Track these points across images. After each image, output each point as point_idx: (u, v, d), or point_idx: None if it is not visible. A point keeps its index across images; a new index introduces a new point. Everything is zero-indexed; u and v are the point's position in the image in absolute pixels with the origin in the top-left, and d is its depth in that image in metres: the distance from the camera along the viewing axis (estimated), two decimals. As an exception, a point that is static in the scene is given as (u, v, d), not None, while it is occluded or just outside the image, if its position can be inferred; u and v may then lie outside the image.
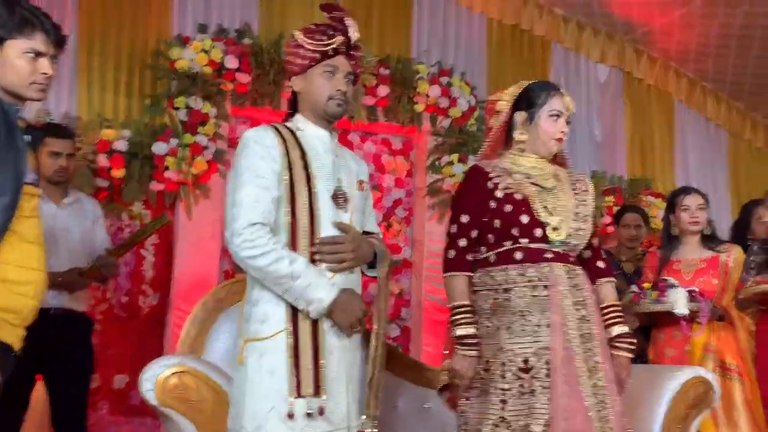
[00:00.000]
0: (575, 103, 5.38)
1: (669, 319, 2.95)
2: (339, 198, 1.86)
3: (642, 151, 5.39)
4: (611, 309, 2.10)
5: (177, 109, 3.80)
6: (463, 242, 2.04)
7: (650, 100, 5.51)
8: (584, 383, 1.90)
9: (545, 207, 2.01)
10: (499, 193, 2.02)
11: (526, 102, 2.11)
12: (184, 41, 3.93)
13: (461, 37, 4.87)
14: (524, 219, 1.99)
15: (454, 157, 4.29)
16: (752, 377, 2.92)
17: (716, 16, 4.80)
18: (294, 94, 1.97)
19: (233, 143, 4.13)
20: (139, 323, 3.77)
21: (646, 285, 2.95)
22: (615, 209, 4.37)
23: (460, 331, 1.98)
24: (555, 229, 1.99)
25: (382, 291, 1.95)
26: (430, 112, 4.34)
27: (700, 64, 5.46)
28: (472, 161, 4.27)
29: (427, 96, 4.30)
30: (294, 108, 1.98)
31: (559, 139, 2.09)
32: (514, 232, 2.00)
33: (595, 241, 2.17)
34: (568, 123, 2.11)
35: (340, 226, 1.84)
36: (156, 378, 1.97)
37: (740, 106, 5.80)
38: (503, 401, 1.90)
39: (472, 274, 2.05)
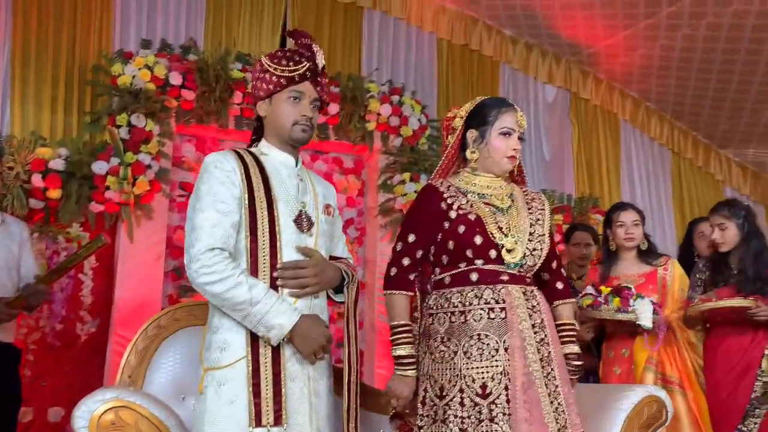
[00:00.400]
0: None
1: (623, 329, 2.97)
2: (302, 222, 1.83)
3: (589, 170, 5.48)
4: (565, 327, 2.09)
5: (118, 126, 3.65)
6: (406, 261, 1.99)
7: (596, 119, 5.62)
8: (546, 408, 1.85)
9: (499, 227, 1.97)
10: (452, 214, 1.98)
11: (478, 119, 2.06)
12: (126, 57, 3.79)
13: (411, 56, 4.87)
14: (478, 240, 1.94)
15: (406, 176, 4.25)
16: (695, 387, 2.94)
17: (658, 39, 4.94)
18: (259, 119, 1.95)
19: (177, 162, 4.01)
20: (76, 352, 3.56)
21: (604, 289, 2.91)
22: (564, 227, 4.41)
23: (398, 351, 1.94)
24: (509, 250, 1.95)
25: (351, 316, 1.90)
26: (381, 130, 4.30)
27: (643, 84, 5.61)
28: (424, 180, 4.25)
29: (378, 114, 4.27)
30: (259, 132, 1.97)
31: (512, 157, 2.03)
32: (468, 253, 1.95)
33: (554, 263, 2.13)
34: (521, 140, 2.06)
35: (303, 251, 1.81)
36: (90, 414, 1.83)
37: (682, 126, 5.98)
38: (462, 430, 1.82)
39: (411, 294, 2.02)
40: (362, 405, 2.69)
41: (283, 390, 1.68)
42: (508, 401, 1.81)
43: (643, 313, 2.77)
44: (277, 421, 1.65)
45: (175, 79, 3.79)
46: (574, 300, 2.16)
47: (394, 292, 1.99)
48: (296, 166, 1.92)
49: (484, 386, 1.83)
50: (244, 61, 4.03)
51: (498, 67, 5.22)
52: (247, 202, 1.76)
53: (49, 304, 3.47)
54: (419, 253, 2.00)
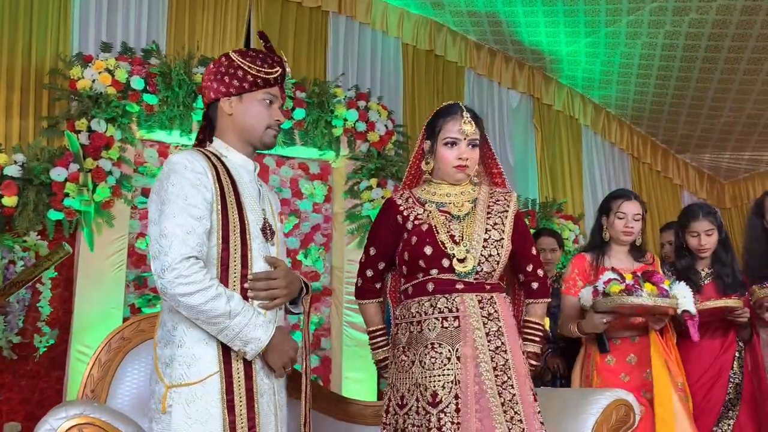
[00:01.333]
0: (489, 128, 5.51)
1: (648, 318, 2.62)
2: (267, 231, 1.77)
3: (552, 174, 5.55)
4: (529, 325, 2.09)
5: (78, 132, 3.54)
6: (369, 272, 2.11)
7: (559, 125, 5.70)
8: (497, 418, 1.82)
9: (451, 236, 1.96)
10: (409, 225, 2.01)
11: (429, 130, 2.09)
12: (86, 60, 3.69)
13: (377, 61, 4.87)
14: (428, 250, 1.95)
15: (373, 181, 4.24)
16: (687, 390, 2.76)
17: (618, 46, 5.04)
18: (208, 117, 1.85)
19: (140, 167, 3.92)
20: (34, 365, 3.44)
21: (627, 275, 2.51)
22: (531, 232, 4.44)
23: (378, 356, 2.05)
24: (461, 260, 1.93)
25: (306, 326, 1.88)
26: (348, 135, 4.28)
27: (604, 90, 5.72)
28: (391, 186, 4.25)
29: (345, 120, 4.24)
30: (207, 131, 1.87)
31: (459, 167, 2.02)
32: (422, 263, 1.96)
33: (529, 265, 2.10)
34: (473, 147, 2.03)
35: (270, 261, 1.74)
36: (53, 432, 1.75)
37: (641, 131, 6.12)
38: None
39: (380, 299, 2.13)
40: (330, 413, 2.68)
41: (255, 406, 1.62)
42: (457, 410, 1.80)
43: (685, 297, 2.47)
44: None
45: (137, 83, 3.70)
46: (546, 300, 2.12)
47: (363, 301, 2.12)
48: (255, 170, 1.85)
49: (434, 394, 1.84)
50: (207, 65, 3.95)
51: (463, 73, 5.26)
52: (219, 207, 1.66)
53: (5, 315, 3.34)
54: (381, 265, 2.09)
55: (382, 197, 4.17)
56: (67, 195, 3.46)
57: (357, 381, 4.04)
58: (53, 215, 3.47)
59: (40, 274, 2.89)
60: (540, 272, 2.10)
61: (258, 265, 1.71)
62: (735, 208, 6.45)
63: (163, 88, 3.77)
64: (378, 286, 2.11)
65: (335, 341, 4.23)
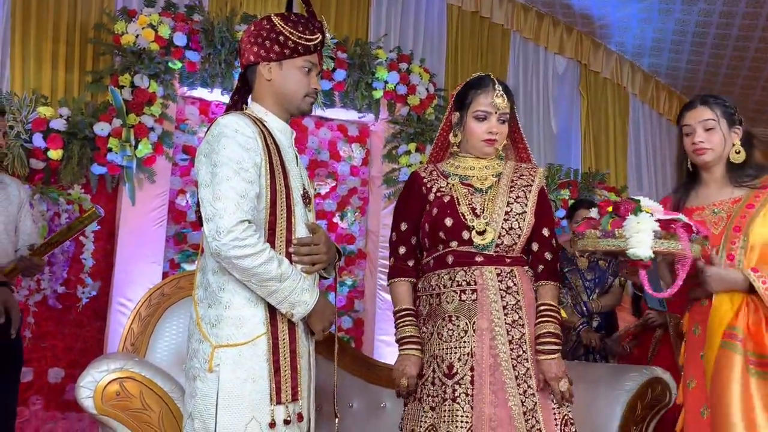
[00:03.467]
0: (534, 94, 5.40)
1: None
2: (306, 197, 1.79)
3: (596, 144, 5.42)
4: (540, 307, 1.94)
5: (121, 87, 3.57)
6: (402, 249, 2.03)
7: (606, 93, 5.54)
8: (511, 391, 1.82)
9: (473, 209, 1.93)
10: (431, 197, 2.00)
11: (459, 101, 2.04)
12: (129, 15, 3.69)
13: (420, 23, 4.76)
14: (448, 222, 1.93)
15: (412, 146, 4.19)
16: None
17: (672, 12, 4.84)
18: (246, 78, 1.84)
19: (181, 124, 3.94)
20: (77, 315, 3.55)
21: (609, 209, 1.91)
22: (570, 203, 4.36)
23: (401, 334, 1.97)
24: (480, 232, 1.90)
25: (336, 292, 1.95)
26: (388, 98, 4.22)
27: (654, 59, 5.51)
28: (429, 151, 4.19)
29: (386, 82, 4.18)
30: (242, 93, 1.86)
31: (488, 140, 1.97)
32: (442, 235, 1.94)
33: (535, 245, 2.00)
34: (503, 122, 1.99)
35: (311, 227, 1.77)
36: (95, 384, 1.81)
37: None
38: (432, 408, 1.86)
39: (413, 279, 2.03)
40: (360, 375, 2.71)
41: (298, 366, 1.65)
42: (472, 382, 1.82)
43: (636, 235, 1.70)
44: (294, 396, 1.63)
45: (180, 39, 3.69)
46: (554, 283, 1.97)
47: (394, 280, 2.03)
48: (292, 136, 1.85)
49: (450, 366, 1.85)
50: (249, 22, 3.92)
51: (509, 36, 5.12)
52: (268, 172, 1.67)
53: (51, 266, 3.44)
54: (414, 240, 2.03)
55: (421, 162, 4.12)
56: (110, 150, 3.51)
57: (389, 344, 4.07)
58: (97, 169, 3.53)
59: (73, 235, 2.97)
60: (548, 255, 1.98)
61: (300, 231, 1.73)
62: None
63: (205, 45, 3.76)
64: (411, 264, 2.03)
65: (369, 304, 4.26)
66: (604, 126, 5.45)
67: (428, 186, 2.02)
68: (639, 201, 1.74)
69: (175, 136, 3.84)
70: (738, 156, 2.01)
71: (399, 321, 1.99)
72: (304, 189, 1.80)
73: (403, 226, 2.04)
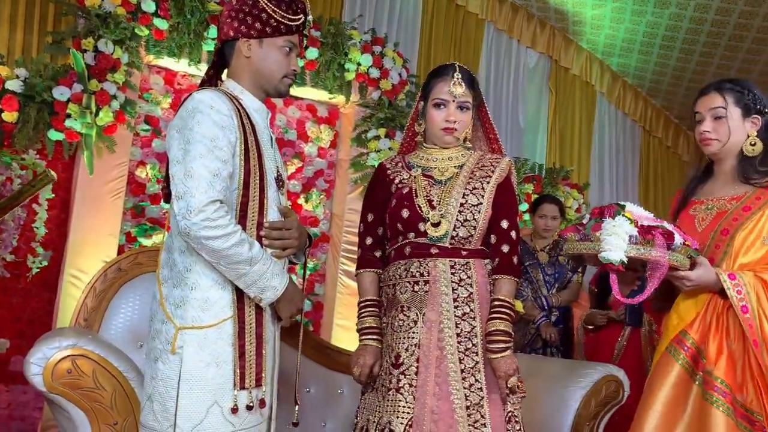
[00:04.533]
0: (504, 86, 5.40)
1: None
2: (279, 179, 1.76)
3: (562, 140, 5.47)
4: (493, 302, 1.89)
5: (84, 51, 3.42)
6: (368, 240, 2.04)
7: (574, 90, 5.59)
8: (455, 384, 1.82)
9: (429, 201, 1.92)
10: (393, 188, 2.00)
11: (423, 90, 2.05)
12: (95, -25, 3.53)
13: (396, 6, 4.71)
14: (405, 213, 1.93)
15: (381, 131, 4.15)
16: None
17: (645, 14, 4.89)
18: (222, 54, 1.78)
19: (145, 93, 3.81)
20: (26, 285, 3.42)
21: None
22: (534, 197, 4.40)
23: (361, 324, 1.98)
24: (435, 224, 1.90)
25: (304, 278, 1.93)
26: (360, 81, 4.16)
27: (624, 59, 5.58)
28: (399, 137, 4.16)
29: (359, 64, 4.12)
30: (216, 68, 1.81)
31: (447, 129, 1.96)
32: (400, 227, 1.95)
33: (492, 237, 1.96)
34: (463, 110, 1.96)
35: (283, 211, 1.73)
36: (46, 361, 1.73)
37: (656, 104, 6.01)
38: (383, 397, 1.87)
39: (379, 270, 2.04)
40: (322, 363, 2.68)
41: (264, 352, 1.63)
42: (417, 373, 1.82)
43: (608, 238, 1.65)
44: (258, 382, 1.61)
45: (148, 5, 3.55)
46: (510, 277, 1.90)
47: (360, 270, 2.04)
48: (268, 116, 1.81)
49: (398, 356, 1.86)
50: (222, -6, 3.81)
51: (483, 26, 5.11)
52: (242, 152, 1.63)
53: (0, 233, 3.30)
54: (380, 230, 2.03)
55: (390, 148, 4.09)
56: (68, 116, 3.36)
57: (347, 329, 4.05)
58: (54, 135, 3.38)
59: (24, 201, 2.85)
60: (505, 248, 1.92)
61: (272, 214, 1.70)
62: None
63: (174, 14, 3.62)
64: (378, 254, 2.03)
65: (329, 288, 4.23)
66: (570, 122, 5.51)
67: (391, 177, 2.03)
68: (623, 206, 1.70)
69: (138, 105, 3.71)
70: (753, 149, 1.83)
71: (360, 312, 1.99)
72: (278, 172, 1.76)
73: (370, 217, 2.05)
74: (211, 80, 1.81)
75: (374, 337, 1.94)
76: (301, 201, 4.25)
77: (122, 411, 1.79)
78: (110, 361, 1.81)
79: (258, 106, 1.76)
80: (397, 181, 2.00)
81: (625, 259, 1.63)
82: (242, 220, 1.62)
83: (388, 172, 2.05)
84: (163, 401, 1.56)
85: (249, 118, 1.69)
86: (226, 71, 1.80)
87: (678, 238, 1.68)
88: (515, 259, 1.94)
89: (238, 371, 1.57)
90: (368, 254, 2.03)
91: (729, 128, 1.84)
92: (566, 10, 5.13)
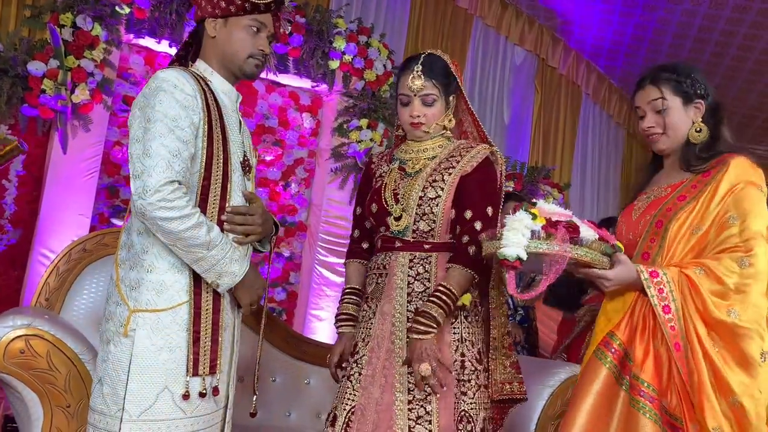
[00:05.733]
0: (490, 83, 5.37)
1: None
2: (245, 164, 1.71)
3: (545, 139, 5.46)
4: (438, 287, 1.79)
5: (61, 26, 3.35)
6: (356, 232, 2.07)
7: (560, 89, 5.58)
8: (400, 378, 1.79)
9: (395, 194, 1.90)
10: (373, 182, 2.00)
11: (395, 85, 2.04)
12: (77, -50, 3.46)
13: (384, -3, 4.65)
14: (374, 208, 1.93)
15: (364, 122, 4.11)
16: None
17: (633, 16, 4.89)
18: (196, 35, 1.75)
19: (124, 73, 3.75)
20: (-6, 261, 3.36)
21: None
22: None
23: (337, 311, 2.00)
24: (397, 218, 1.88)
25: (269, 266, 1.89)
26: (344, 71, 4.12)
27: (610, 61, 5.58)
28: (381, 129, 4.13)
29: (343, 53, 4.08)
30: (190, 49, 1.77)
31: (414, 124, 1.90)
32: (372, 220, 1.96)
33: (457, 229, 1.88)
34: (427, 104, 1.88)
35: (248, 196, 1.69)
36: (-2, 340, 1.69)
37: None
38: (342, 387, 1.88)
39: (364, 261, 2.03)
40: (290, 352, 2.66)
41: (219, 339, 1.59)
42: (368, 363, 1.82)
43: (508, 233, 1.55)
44: (212, 369, 1.57)
45: (130, -17, 3.50)
46: (462, 268, 1.80)
47: (346, 261, 2.06)
48: (237, 100, 1.77)
49: (355, 346, 1.88)
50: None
51: (471, 21, 5.07)
52: (206, 134, 1.59)
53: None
54: (367, 224, 2.02)
55: (371, 139, 4.06)
56: (43, 92, 3.30)
57: (321, 319, 4.03)
58: (27, 111, 3.32)
59: None
60: (465, 238, 1.83)
61: (235, 199, 1.66)
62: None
63: (156, -7, 3.57)
64: (365, 246, 2.04)
65: (304, 278, 4.19)
66: (554, 122, 5.50)
67: (374, 171, 2.03)
68: (534, 203, 1.59)
69: (117, 84, 3.65)
70: (698, 135, 1.71)
71: (342, 297, 2.01)
72: (245, 156, 1.72)
73: (358, 210, 2.06)
74: (182, 60, 1.77)
75: (348, 323, 1.95)
76: (279, 188, 4.21)
77: (76, 393, 1.76)
78: (66, 342, 1.77)
79: (227, 88, 1.72)
80: (377, 174, 2.00)
81: (523, 255, 1.51)
82: (203, 203, 1.58)
83: (373, 166, 2.05)
84: (113, 384, 1.52)
85: (216, 100, 1.65)
86: (200, 53, 1.76)
87: (589, 233, 1.57)
88: (472, 250, 1.80)
89: (191, 357, 1.54)
90: (355, 245, 2.06)
91: (672, 119, 1.72)
92: (555, 9, 5.11)
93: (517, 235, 1.52)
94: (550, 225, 1.55)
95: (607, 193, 5.84)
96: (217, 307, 1.60)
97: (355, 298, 1.98)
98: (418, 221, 1.87)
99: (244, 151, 1.72)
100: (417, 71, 1.87)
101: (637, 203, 1.80)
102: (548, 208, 1.60)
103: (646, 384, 1.59)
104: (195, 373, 1.54)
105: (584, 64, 5.65)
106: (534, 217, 1.55)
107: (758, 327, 1.54)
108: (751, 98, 5.42)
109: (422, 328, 1.73)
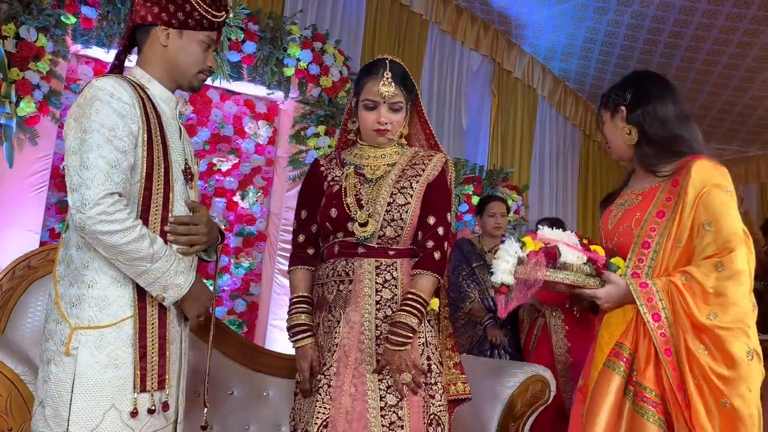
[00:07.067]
0: (447, 88, 5.40)
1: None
2: (187, 172, 1.68)
3: (503, 142, 5.51)
4: (407, 296, 1.81)
5: (4, 38, 3.25)
6: (301, 238, 1.99)
7: (516, 93, 5.64)
8: (370, 385, 1.78)
9: (358, 200, 1.88)
10: (326, 186, 1.95)
11: (355, 87, 1.98)
12: (18, -41, 3.37)
13: (339, 3, 4.65)
14: (333, 213, 1.88)
15: (321, 129, 4.09)
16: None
17: (585, 20, 4.97)
18: (134, 39, 1.70)
19: (72, 84, 3.66)
20: (-63, 283, 3.23)
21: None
22: (475, 199, 4.41)
23: (290, 322, 1.91)
24: (362, 224, 1.85)
25: (215, 276, 1.85)
26: (300, 77, 4.10)
27: (564, 64, 5.66)
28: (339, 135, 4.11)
29: (298, 60, 4.05)
30: (125, 54, 1.72)
31: (379, 131, 1.90)
32: (329, 226, 1.90)
33: (420, 235, 1.90)
34: (395, 111, 1.90)
35: (191, 205, 1.66)
36: (-69, 365, 1.62)
37: (596, 110, 6.12)
38: (306, 400, 1.85)
39: (311, 267, 1.98)
40: (247, 364, 2.61)
41: (167, 353, 1.55)
42: (336, 374, 1.78)
43: (498, 260, 1.71)
44: (161, 384, 1.53)
45: (76, -8, 3.42)
46: (430, 273, 1.83)
47: (292, 268, 1.98)
48: (177, 107, 1.74)
49: (321, 357, 1.84)
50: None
51: (427, 27, 5.10)
52: (145, 143, 1.55)
53: None
54: (314, 228, 1.97)
55: (329, 146, 4.04)
56: (-14, 105, 3.20)
57: (282, 330, 3.98)
58: (-30, 125, 3.22)
59: None
60: (429, 244, 1.86)
61: (178, 209, 1.62)
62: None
63: (104, 2, 3.49)
64: (311, 252, 1.98)
65: (265, 288, 4.14)
66: (512, 125, 5.56)
67: (324, 174, 1.97)
68: (536, 231, 1.74)
69: (65, 96, 3.55)
70: (630, 137, 1.81)
71: (291, 308, 1.93)
72: (186, 164, 1.68)
73: (303, 214, 1.99)
74: (120, 67, 1.72)
75: (306, 335, 1.88)
76: (237, 198, 4.16)
77: (18, 416, 1.69)
78: (6, 363, 1.71)
79: (166, 96, 1.69)
80: (329, 178, 1.95)
81: (510, 281, 1.65)
82: (145, 214, 1.54)
83: (322, 168, 1.99)
84: (55, 406, 1.47)
85: (155, 107, 1.62)
86: (137, 58, 1.72)
87: (573, 256, 1.68)
88: (437, 255, 1.85)
89: (138, 373, 1.49)
90: (300, 252, 1.98)
91: (606, 133, 1.89)
92: (509, 13, 5.17)
93: (503, 263, 1.66)
94: (536, 253, 1.67)
95: (565, 193, 5.93)
96: (163, 321, 1.56)
97: (306, 306, 1.92)
98: (385, 227, 1.86)
99: (186, 159, 1.69)
100: (387, 77, 1.88)
101: (613, 209, 1.87)
102: (549, 234, 1.73)
103: (648, 390, 1.64)
104: (143, 389, 1.50)
105: (539, 67, 5.73)
106: (523, 245, 1.68)
107: (742, 326, 1.58)
108: (714, 99, 5.55)
109: (400, 339, 1.75)
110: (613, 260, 1.75)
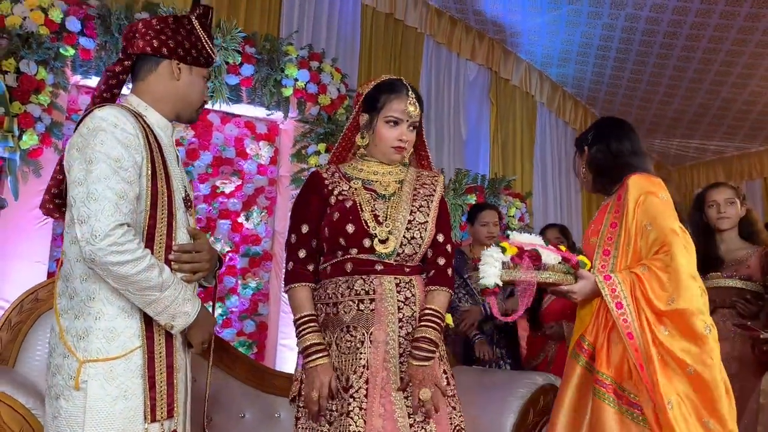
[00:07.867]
0: (445, 99, 5.43)
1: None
2: (187, 200, 1.70)
3: (504, 150, 5.52)
4: (425, 311, 1.85)
5: (5, 72, 3.30)
6: (302, 253, 1.91)
7: (514, 100, 5.66)
8: (398, 403, 1.78)
9: (375, 216, 1.87)
10: (332, 200, 1.91)
11: (370, 103, 1.96)
12: (16, -6, 3.42)
13: (334, 22, 4.69)
14: (350, 228, 1.85)
15: (321, 146, 4.11)
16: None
17: (579, 25, 4.99)
18: (131, 67, 1.69)
19: (73, 114, 3.70)
20: (-53, 318, 3.25)
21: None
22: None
23: (305, 343, 1.84)
24: (382, 241, 1.85)
25: (214, 300, 1.86)
26: (298, 97, 4.13)
27: (562, 69, 5.68)
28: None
29: (296, 80, 4.08)
30: (117, 81, 1.70)
31: (398, 148, 1.92)
32: (342, 242, 1.86)
33: (430, 252, 1.95)
34: (413, 130, 1.94)
35: (193, 233, 1.68)
36: (-56, 402, 1.63)
37: (596, 113, 6.14)
38: (330, 423, 1.79)
39: (312, 284, 1.92)
40: (257, 386, 2.61)
41: (174, 382, 1.56)
42: (366, 395, 1.76)
43: (483, 266, 1.91)
44: (170, 413, 1.54)
45: (73, 25, 3.46)
46: (443, 289, 1.90)
47: (293, 285, 1.90)
48: (173, 134, 1.76)
49: (347, 379, 1.79)
50: (152, 11, 3.73)
51: (422, 40, 5.13)
52: (149, 172, 1.57)
53: None
54: (314, 243, 1.92)
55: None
56: (-10, 140, 3.23)
57: (292, 349, 3.98)
58: (-26, 160, 3.25)
59: None
60: (441, 261, 1.92)
61: (181, 237, 1.64)
62: (680, 195, 6.58)
63: (101, 33, 3.54)
64: (311, 268, 1.91)
65: (273, 307, 4.15)
66: (512, 133, 5.57)
67: (329, 188, 1.92)
68: (507, 235, 1.97)
69: (67, 127, 3.59)
70: (584, 171, 2.22)
71: (302, 328, 1.86)
72: (185, 192, 1.70)
73: (304, 228, 1.91)
74: (115, 98, 1.71)
75: (323, 354, 1.83)
76: (241, 219, 4.18)
77: (30, 452, 1.70)
78: (18, 399, 1.72)
79: (163, 123, 1.70)
80: (336, 192, 1.91)
81: (500, 283, 1.88)
82: (149, 243, 1.55)
83: (326, 182, 1.94)
84: None
85: (155, 136, 1.64)
86: (133, 86, 1.72)
87: (550, 258, 1.93)
88: (449, 272, 1.93)
89: (148, 403, 1.50)
90: (301, 268, 1.90)
91: (577, 169, 2.27)
92: (502, 22, 5.20)
93: (491, 268, 1.87)
94: (518, 256, 1.90)
95: (569, 198, 5.92)
96: (170, 350, 1.57)
97: (316, 325, 1.86)
98: (405, 245, 1.86)
99: (184, 186, 1.71)
100: (413, 98, 1.94)
101: (591, 225, 2.20)
102: (520, 237, 1.97)
103: (603, 375, 1.91)
104: (153, 419, 1.50)
105: (537, 74, 5.75)
106: (504, 250, 1.90)
107: (697, 304, 1.85)
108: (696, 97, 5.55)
109: (425, 354, 1.78)
110: (579, 258, 2.02)
